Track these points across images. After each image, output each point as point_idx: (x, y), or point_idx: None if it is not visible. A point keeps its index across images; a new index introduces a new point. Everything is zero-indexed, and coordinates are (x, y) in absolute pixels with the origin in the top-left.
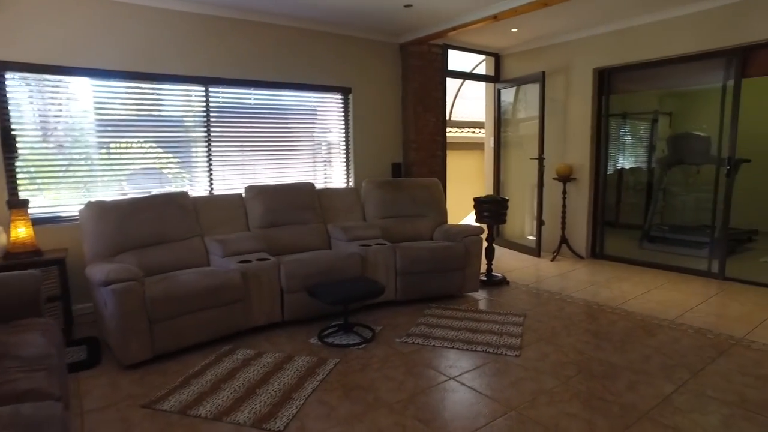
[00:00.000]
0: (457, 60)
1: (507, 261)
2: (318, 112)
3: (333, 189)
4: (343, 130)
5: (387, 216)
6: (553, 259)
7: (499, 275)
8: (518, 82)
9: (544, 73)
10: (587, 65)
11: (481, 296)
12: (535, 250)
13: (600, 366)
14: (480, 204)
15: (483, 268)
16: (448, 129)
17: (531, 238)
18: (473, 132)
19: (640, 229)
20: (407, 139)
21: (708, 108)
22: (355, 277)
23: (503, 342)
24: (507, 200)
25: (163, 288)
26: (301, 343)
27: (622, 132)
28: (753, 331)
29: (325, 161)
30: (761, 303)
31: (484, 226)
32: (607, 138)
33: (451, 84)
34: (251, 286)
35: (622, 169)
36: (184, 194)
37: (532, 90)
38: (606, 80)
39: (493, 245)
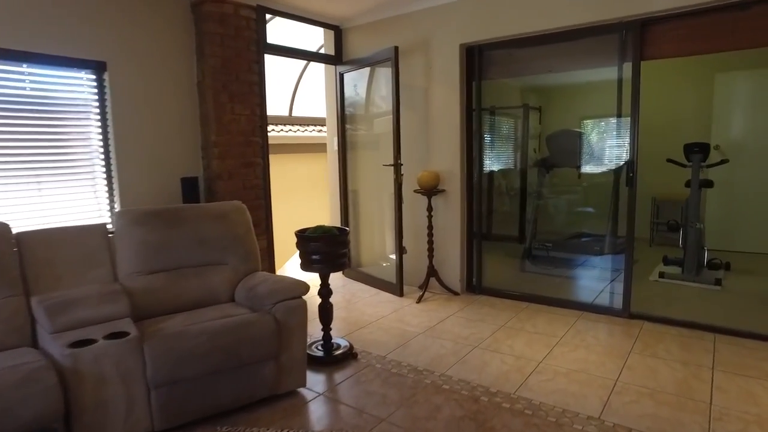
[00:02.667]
0: (296, 34)
1: (359, 307)
2: (58, 103)
3: (53, 231)
4: (100, 132)
5: (155, 269)
6: (419, 300)
7: (343, 343)
8: (364, 62)
9: (396, 49)
10: (453, 41)
11: (311, 393)
12: (397, 287)
13: None
14: (305, 243)
15: (320, 332)
16: (288, 127)
17: (392, 258)
18: (321, 131)
19: (515, 242)
20: (207, 142)
21: (597, 100)
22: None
23: None
24: (346, 233)
25: None
26: None
27: (491, 130)
28: None
29: (62, 180)
30: (688, 360)
31: (315, 277)
32: (480, 138)
33: (290, 69)
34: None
35: (492, 172)
36: None
37: (386, 75)
38: (477, 62)
39: (330, 302)
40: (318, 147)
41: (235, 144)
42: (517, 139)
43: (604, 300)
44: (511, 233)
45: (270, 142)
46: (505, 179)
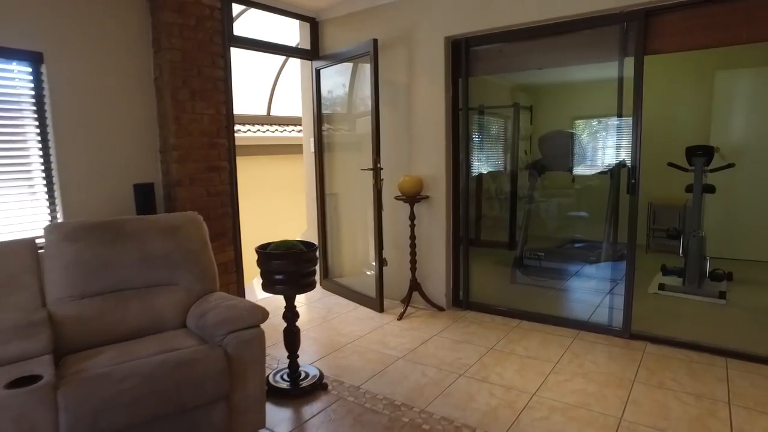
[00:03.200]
0: (273, 30)
1: (334, 324)
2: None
3: None
4: (38, 132)
5: (90, 292)
6: (401, 316)
7: (312, 372)
8: (341, 57)
9: (375, 42)
10: (437, 33)
11: None
12: (377, 302)
13: None
14: (266, 260)
15: (286, 357)
16: (266, 127)
17: (373, 267)
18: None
19: (505, 248)
20: (165, 145)
21: (593, 98)
22: None
23: None
24: (314, 249)
25: None
26: None
27: (480, 130)
28: None
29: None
30: (701, 393)
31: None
32: (468, 139)
33: (268, 66)
34: None
35: (481, 174)
36: None
37: (366, 71)
38: (463, 56)
39: (297, 326)
40: (298, 148)
41: (197, 146)
42: (507, 140)
43: (601, 317)
44: (501, 239)
45: (247, 143)
46: (495, 182)
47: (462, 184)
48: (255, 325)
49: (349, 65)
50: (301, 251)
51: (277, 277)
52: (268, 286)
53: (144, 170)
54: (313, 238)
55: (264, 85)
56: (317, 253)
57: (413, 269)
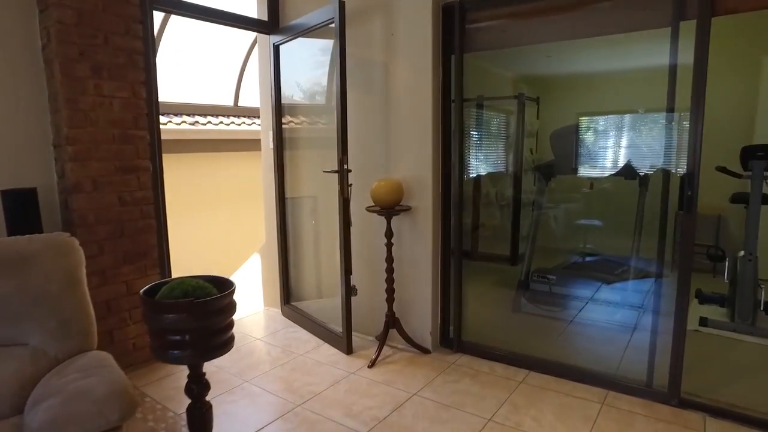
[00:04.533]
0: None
1: (285, 373)
2: None
3: None
4: None
5: None
6: (373, 363)
7: None
8: (301, 29)
9: (341, 6)
10: None
11: None
12: (343, 341)
13: None
14: (155, 314)
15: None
16: (231, 119)
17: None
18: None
19: (506, 263)
20: (58, 138)
21: (621, 86)
22: None
23: None
24: (229, 292)
25: None
26: None
27: (477, 125)
28: None
29: None
30: None
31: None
32: (461, 133)
33: (235, 50)
34: None
35: (479, 176)
36: None
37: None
38: (457, 25)
39: (207, 403)
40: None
41: (105, 139)
42: (509, 137)
43: (636, 366)
44: (501, 252)
45: (213, 137)
46: (495, 186)
47: (454, 190)
48: (110, 430)
49: (317, 42)
50: (208, 298)
51: (172, 338)
52: (160, 352)
53: (24, 171)
54: (272, 253)
55: (230, 73)
56: (233, 298)
57: (390, 300)
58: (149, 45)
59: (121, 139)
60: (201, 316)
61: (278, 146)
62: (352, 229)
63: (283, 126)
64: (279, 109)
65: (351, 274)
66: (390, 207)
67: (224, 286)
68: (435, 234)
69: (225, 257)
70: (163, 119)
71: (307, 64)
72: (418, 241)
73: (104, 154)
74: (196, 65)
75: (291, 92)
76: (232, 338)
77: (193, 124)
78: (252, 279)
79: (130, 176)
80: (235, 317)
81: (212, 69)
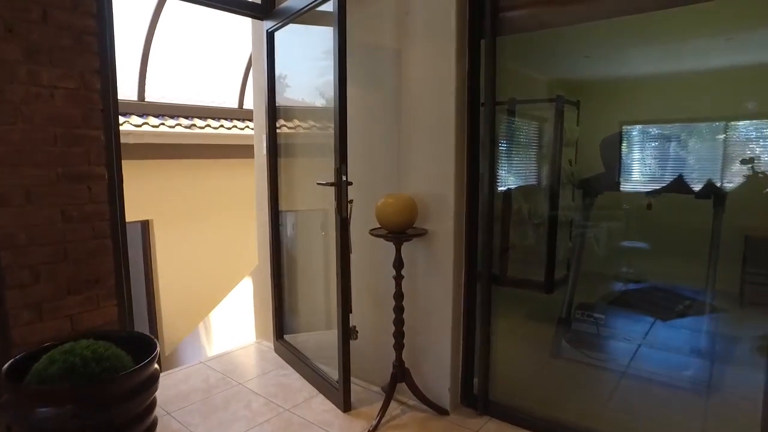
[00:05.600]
0: None
1: None
2: None
3: None
4: None
5: None
6: (375, 427)
7: None
8: (296, 11)
9: None
10: None
11: None
12: (340, 396)
13: None
14: (22, 405)
15: None
16: (234, 123)
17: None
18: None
19: (539, 290)
20: None
21: (684, 92)
22: None
23: None
24: (150, 358)
25: None
26: None
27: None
28: None
29: None
30: None
31: None
32: (493, 136)
33: (241, 47)
34: None
35: (509, 191)
36: None
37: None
38: (488, 1)
39: None
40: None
41: (42, 140)
42: (543, 146)
43: None
44: (534, 277)
45: (217, 141)
46: (527, 201)
47: (483, 210)
48: None
49: (318, 31)
50: (112, 377)
51: None
52: None
53: None
54: (265, 277)
55: (236, 72)
56: (155, 369)
57: (399, 346)
58: (106, 24)
59: (65, 141)
60: (97, 407)
61: (272, 152)
62: (353, 256)
63: (278, 130)
64: (273, 108)
65: (350, 313)
66: (400, 231)
67: (142, 349)
68: (457, 264)
69: (222, 275)
70: (155, 121)
71: (308, 56)
72: (435, 273)
73: (42, 159)
74: (197, 62)
75: (288, 89)
76: (153, 425)
77: (189, 127)
78: (247, 302)
79: (78, 186)
80: (222, 350)
81: (215, 67)
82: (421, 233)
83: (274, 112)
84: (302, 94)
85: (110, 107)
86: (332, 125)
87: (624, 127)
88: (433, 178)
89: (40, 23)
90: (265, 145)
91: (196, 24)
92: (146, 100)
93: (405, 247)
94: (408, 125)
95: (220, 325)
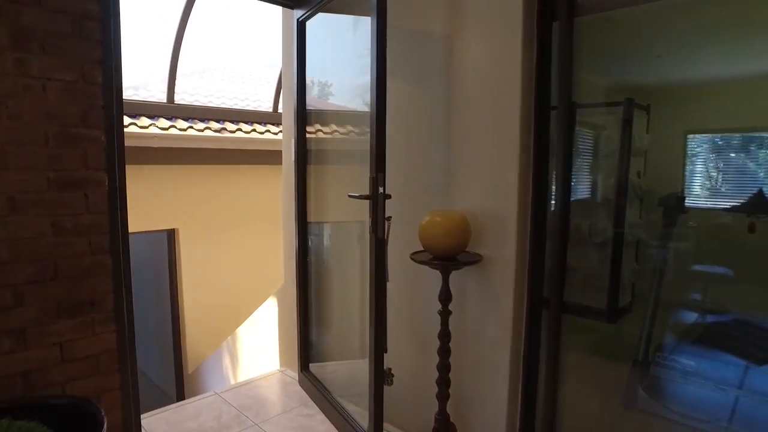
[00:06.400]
0: None
1: None
2: None
3: None
4: None
5: None
6: None
7: None
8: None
9: None
10: None
11: None
12: None
13: None
14: None
15: None
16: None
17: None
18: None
19: (600, 318)
20: None
21: None
22: None
23: None
24: None
25: None
26: None
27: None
28: None
29: None
30: None
31: None
32: (570, 141)
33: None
34: None
35: (568, 205)
36: None
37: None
38: None
39: None
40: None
41: (31, 140)
42: (607, 156)
43: None
44: (595, 304)
45: (248, 146)
46: (587, 216)
47: (552, 230)
48: None
49: (355, 21)
50: None
51: None
52: None
53: None
54: (291, 298)
55: (271, 72)
56: None
57: (443, 396)
58: (110, 8)
59: (59, 141)
60: None
61: (300, 157)
62: (390, 285)
63: (308, 134)
64: (303, 107)
65: (385, 352)
66: (449, 256)
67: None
68: (518, 299)
69: (251, 290)
70: (183, 124)
71: (341, 48)
72: (491, 311)
73: (30, 161)
74: (231, 63)
75: (320, 88)
76: None
77: (218, 131)
78: (273, 322)
79: (73, 194)
80: (242, 379)
81: (250, 68)
82: (475, 260)
83: (303, 112)
84: (336, 93)
85: (113, 104)
86: (360, 130)
87: (706, 136)
88: (490, 193)
89: (32, 4)
90: (293, 149)
91: (231, 22)
92: (175, 102)
93: (454, 276)
94: (460, 128)
95: (245, 345)
